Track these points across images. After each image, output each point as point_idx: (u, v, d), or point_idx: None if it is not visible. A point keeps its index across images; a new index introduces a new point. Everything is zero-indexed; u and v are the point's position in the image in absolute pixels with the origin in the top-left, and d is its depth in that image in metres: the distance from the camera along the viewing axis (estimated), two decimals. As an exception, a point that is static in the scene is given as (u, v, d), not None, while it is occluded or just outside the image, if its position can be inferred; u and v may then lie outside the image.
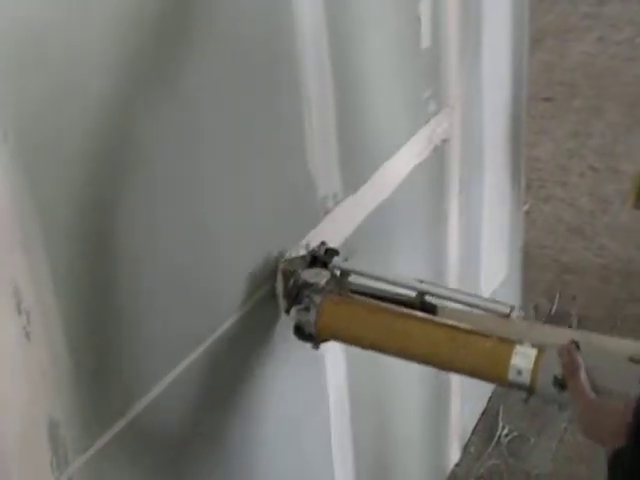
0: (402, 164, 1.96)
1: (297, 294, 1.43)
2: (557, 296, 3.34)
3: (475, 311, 1.41)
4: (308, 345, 1.51)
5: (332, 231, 1.67)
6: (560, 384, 1.20)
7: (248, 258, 1.45)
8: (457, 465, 2.66)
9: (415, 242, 2.15)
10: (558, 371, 1.20)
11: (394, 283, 1.48)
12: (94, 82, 1.06)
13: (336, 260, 1.49)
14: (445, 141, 2.17)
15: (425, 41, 1.99)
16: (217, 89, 1.30)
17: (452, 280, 2.44)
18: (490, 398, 2.94)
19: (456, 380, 2.58)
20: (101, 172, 1.10)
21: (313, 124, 1.55)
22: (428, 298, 1.44)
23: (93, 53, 1.05)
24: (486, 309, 1.40)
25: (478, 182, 2.53)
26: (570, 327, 3.23)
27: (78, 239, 1.08)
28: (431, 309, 1.43)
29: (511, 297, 3.07)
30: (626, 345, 1.27)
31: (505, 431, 2.78)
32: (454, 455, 2.70)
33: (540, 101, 4.28)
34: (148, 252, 1.20)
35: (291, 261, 1.48)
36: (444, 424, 2.58)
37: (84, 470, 1.11)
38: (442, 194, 2.27)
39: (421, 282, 1.45)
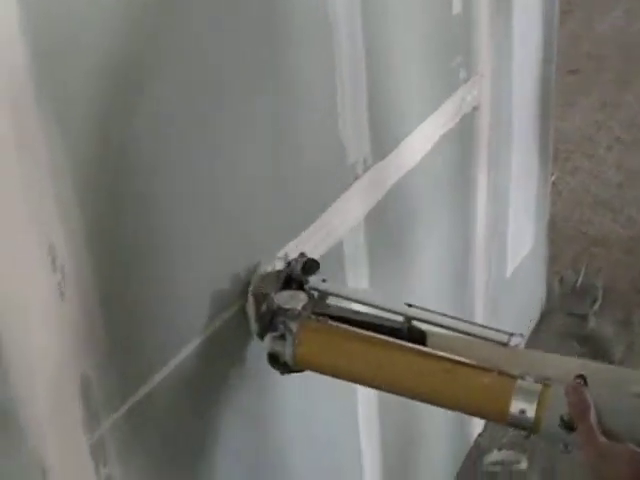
0: (431, 131, 1.86)
1: (271, 319, 1.26)
2: (583, 268, 3.24)
3: (469, 338, 1.23)
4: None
5: (361, 197, 1.58)
6: (567, 426, 1.05)
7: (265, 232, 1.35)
8: (480, 435, 2.59)
9: (443, 210, 2.05)
10: (565, 411, 1.06)
11: (378, 307, 1.29)
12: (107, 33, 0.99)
13: (313, 281, 1.30)
14: (475, 109, 2.07)
15: (456, 7, 1.91)
16: (242, 51, 1.21)
17: (479, 251, 2.32)
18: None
19: None
20: (125, 120, 1.02)
21: (345, 88, 1.46)
22: (417, 324, 1.25)
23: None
24: (482, 337, 1.22)
25: (506, 152, 2.41)
26: (595, 300, 3.13)
27: (108, 194, 1.02)
28: (419, 336, 1.24)
29: (537, 268, 2.97)
30: (634, 377, 1.14)
31: (529, 402, 2.84)
32: (478, 425, 2.61)
33: (567, 73, 4.22)
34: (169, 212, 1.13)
35: (263, 280, 1.28)
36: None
37: (115, 429, 1.06)
38: (470, 162, 2.16)
39: (410, 306, 1.26)
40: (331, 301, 1.31)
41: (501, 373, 1.14)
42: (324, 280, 1.30)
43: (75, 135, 0.95)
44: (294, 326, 1.23)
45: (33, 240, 0.91)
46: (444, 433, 2.36)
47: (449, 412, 2.33)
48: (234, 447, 1.35)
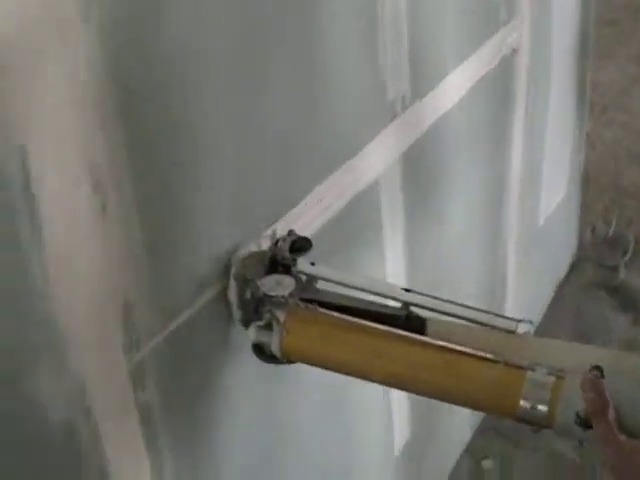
0: (471, 71, 1.78)
1: (256, 307, 1.11)
2: (614, 219, 3.12)
3: (473, 326, 1.08)
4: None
5: (398, 136, 1.51)
6: (584, 423, 0.93)
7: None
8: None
9: (479, 154, 1.97)
10: (581, 406, 0.93)
11: (373, 292, 1.13)
12: None
13: (301, 264, 1.14)
14: (514, 51, 1.97)
15: (498, -52, 1.79)
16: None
17: (513, 197, 2.25)
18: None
19: (509, 303, 2.48)
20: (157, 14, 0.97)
21: (386, 23, 1.39)
22: (416, 310, 1.11)
23: None
24: (487, 324, 1.06)
25: (543, 98, 2.31)
26: (626, 251, 3.01)
27: (150, 114, 0.97)
28: (419, 324, 1.09)
29: (569, 218, 2.90)
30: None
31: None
32: None
33: (604, 24, 4.15)
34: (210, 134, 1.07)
35: (246, 262, 1.12)
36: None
37: (154, 355, 1.03)
38: (508, 106, 2.07)
39: (407, 291, 1.10)
40: (321, 285, 1.15)
41: (508, 364, 0.99)
42: (313, 263, 1.13)
43: (119, 47, 0.90)
44: (281, 315, 1.08)
45: (77, 156, 0.87)
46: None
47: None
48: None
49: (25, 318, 0.85)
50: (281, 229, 1.21)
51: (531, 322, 1.06)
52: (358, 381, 1.52)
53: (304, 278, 1.14)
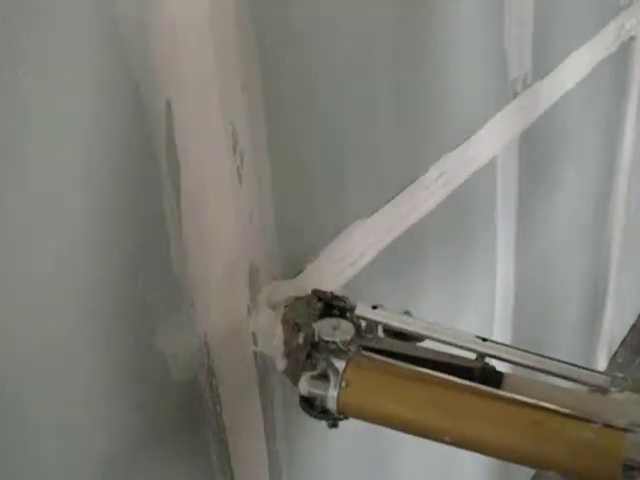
0: (589, 56, 1.74)
1: (308, 354, 0.95)
2: None
3: (556, 383, 0.91)
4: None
5: (518, 115, 1.51)
6: None
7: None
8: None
9: (591, 140, 1.95)
10: None
11: (442, 341, 0.95)
12: None
13: (361, 308, 0.98)
14: (632, 39, 1.94)
15: None
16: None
17: (622, 184, 2.23)
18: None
19: (611, 293, 2.46)
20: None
21: (513, 2, 1.38)
22: (491, 361, 0.95)
23: None
24: (575, 380, 0.90)
25: None
26: None
27: (292, 86, 0.98)
28: (495, 377, 0.92)
29: None
30: None
31: (655, 346, 2.49)
32: (601, 363, 2.49)
33: None
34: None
35: (296, 304, 0.99)
36: (596, 331, 2.41)
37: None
38: (623, 94, 2.04)
39: (484, 340, 0.93)
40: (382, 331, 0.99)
41: (607, 426, 0.83)
42: (375, 307, 0.98)
43: (265, 22, 0.89)
44: (340, 364, 0.93)
45: (219, 121, 0.86)
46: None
47: (576, 345, 2.29)
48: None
49: (161, 275, 0.86)
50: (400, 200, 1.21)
51: (624, 379, 0.89)
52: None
53: (363, 324, 0.98)
